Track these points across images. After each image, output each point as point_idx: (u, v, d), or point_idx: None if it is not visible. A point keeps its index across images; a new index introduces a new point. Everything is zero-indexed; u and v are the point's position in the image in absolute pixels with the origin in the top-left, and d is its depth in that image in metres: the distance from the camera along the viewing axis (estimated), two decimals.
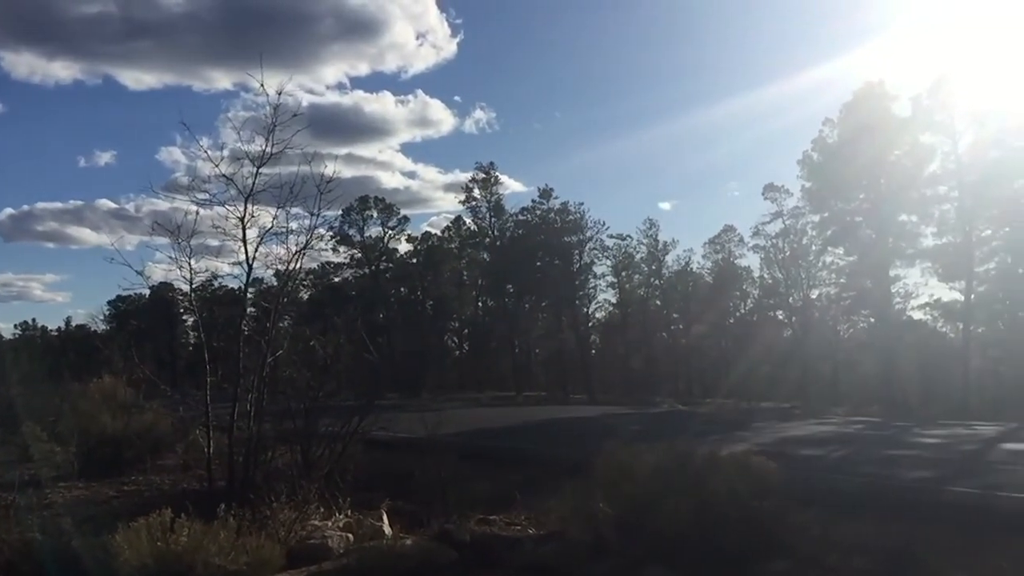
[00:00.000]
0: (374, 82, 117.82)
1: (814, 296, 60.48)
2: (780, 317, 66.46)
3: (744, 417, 32.18)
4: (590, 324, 74.94)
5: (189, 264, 9.89)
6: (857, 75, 70.40)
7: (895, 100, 48.90)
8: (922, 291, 53.81)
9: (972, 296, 46.94)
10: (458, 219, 75.54)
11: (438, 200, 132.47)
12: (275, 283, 11.96)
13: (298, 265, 10.53)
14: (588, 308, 73.04)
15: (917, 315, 56.33)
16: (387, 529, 8.21)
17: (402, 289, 78.22)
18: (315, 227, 10.19)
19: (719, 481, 7.33)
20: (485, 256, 72.90)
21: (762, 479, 7.50)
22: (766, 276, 65.21)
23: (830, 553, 7.31)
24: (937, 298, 53.35)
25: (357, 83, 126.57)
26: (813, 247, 57.93)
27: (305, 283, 74.71)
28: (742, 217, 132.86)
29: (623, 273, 71.28)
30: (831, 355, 58.32)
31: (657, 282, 72.50)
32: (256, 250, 9.86)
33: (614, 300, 73.65)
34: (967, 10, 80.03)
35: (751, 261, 67.35)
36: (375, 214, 73.21)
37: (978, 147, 45.07)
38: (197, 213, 9.80)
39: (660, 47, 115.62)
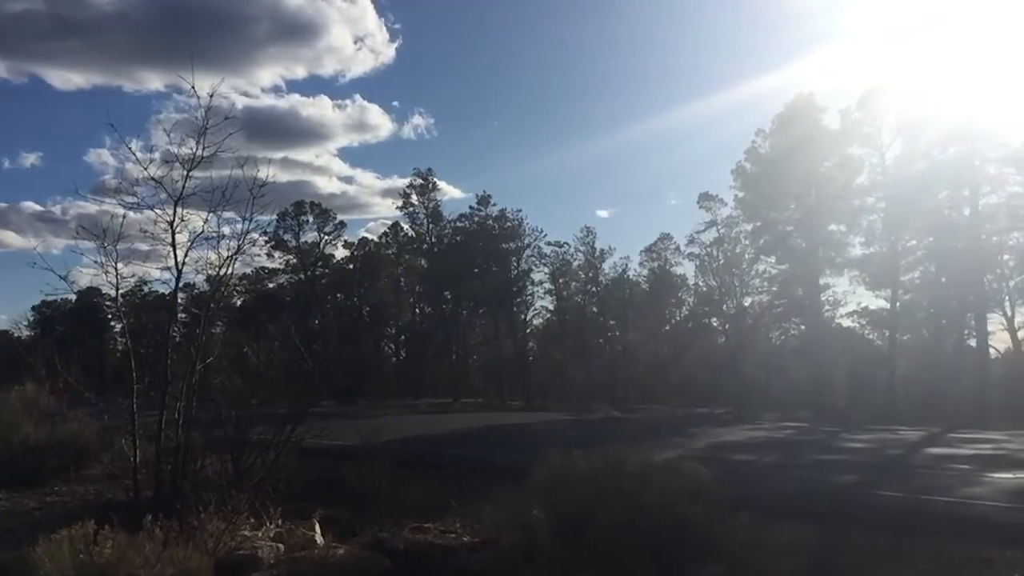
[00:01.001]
0: (311, 86, 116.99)
1: (747, 304, 61.60)
2: (715, 324, 67.48)
3: (679, 423, 32.61)
4: (528, 331, 75.18)
5: (116, 269, 9.63)
6: (796, 88, 71.76)
7: (825, 112, 50.20)
8: (850, 299, 55.40)
9: (898, 304, 48.33)
10: (396, 225, 75.22)
11: (376, 206, 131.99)
12: (207, 289, 11.70)
13: (230, 270, 10.32)
14: (526, 315, 73.35)
15: (846, 322, 57.91)
16: (319, 538, 8.09)
17: (338, 295, 77.44)
18: (248, 232, 9.98)
19: (653, 487, 7.37)
20: (423, 262, 72.60)
21: (695, 484, 7.57)
22: (701, 284, 66.20)
23: (761, 556, 7.41)
24: (865, 306, 55.03)
25: (293, 86, 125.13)
26: (746, 256, 58.94)
27: (238, 289, 73.59)
28: (678, 226, 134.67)
29: (560, 280, 71.67)
30: (764, 362, 59.33)
31: (594, 289, 73.03)
32: (186, 255, 9.64)
33: (551, 307, 74.10)
34: (897, 26, 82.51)
35: (687, 269, 68.35)
36: (311, 219, 72.44)
37: (904, 159, 46.43)
38: (124, 217, 9.54)
39: (599, 57, 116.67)
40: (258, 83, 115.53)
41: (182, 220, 9.54)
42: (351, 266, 75.39)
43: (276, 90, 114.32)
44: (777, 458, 17.91)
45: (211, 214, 9.71)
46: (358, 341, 73.09)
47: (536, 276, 70.52)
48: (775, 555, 7.60)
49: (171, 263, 9.60)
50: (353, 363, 65.97)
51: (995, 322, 46.23)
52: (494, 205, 68.22)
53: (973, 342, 46.71)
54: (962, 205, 45.35)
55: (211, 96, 9.55)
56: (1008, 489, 12.21)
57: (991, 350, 47.44)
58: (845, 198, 48.49)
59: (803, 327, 55.73)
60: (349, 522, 9.23)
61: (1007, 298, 46.28)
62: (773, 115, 52.43)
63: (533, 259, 69.28)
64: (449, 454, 18.38)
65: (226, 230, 10.01)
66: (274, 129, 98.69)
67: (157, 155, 9.69)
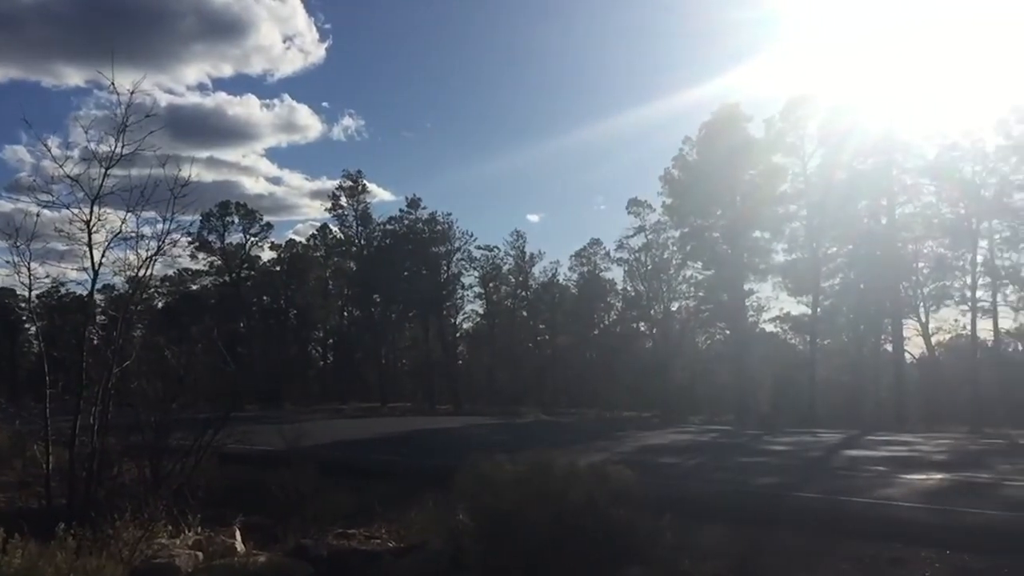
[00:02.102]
0: (238, 84, 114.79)
1: (674, 308, 62.48)
2: (642, 329, 68.28)
3: (607, 427, 32.92)
4: (457, 335, 75.04)
5: (29, 269, 9.29)
6: (727, 98, 73.02)
7: (750, 122, 51.18)
8: (773, 305, 56.72)
9: (818, 310, 49.58)
10: (324, 227, 74.34)
11: (304, 207, 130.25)
12: (127, 290, 11.36)
13: (150, 272, 10.04)
14: (455, 319, 73.25)
15: (769, 327, 59.28)
16: (240, 546, 7.92)
17: (264, 298, 76.16)
18: (168, 232, 9.72)
19: (578, 491, 7.40)
20: (351, 265, 71.87)
21: (619, 488, 7.62)
22: (629, 289, 66.94)
23: (683, 558, 7.49)
24: (787, 311, 56.46)
25: (220, 85, 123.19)
26: (674, 261, 59.75)
27: (160, 291, 71.91)
28: (608, 231, 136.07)
29: (490, 284, 71.72)
30: (690, 366, 60.25)
31: (524, 293, 73.31)
32: (103, 255, 9.35)
33: (481, 311, 74.11)
34: (823, 39, 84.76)
35: (615, 274, 69.00)
36: (237, 220, 71.09)
37: (826, 169, 47.62)
38: (38, 215, 9.22)
39: (533, 63, 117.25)
40: (183, 80, 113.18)
41: (99, 219, 9.26)
42: (278, 268, 74.27)
43: (202, 88, 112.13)
44: (701, 461, 18.18)
45: (130, 214, 9.43)
46: (284, 344, 72.01)
47: (466, 280, 70.56)
48: (699, 557, 7.69)
49: (88, 264, 9.31)
50: (279, 366, 64.91)
51: (910, 327, 47.76)
52: (424, 208, 68.01)
53: (890, 347, 48.13)
54: (880, 214, 46.71)
55: (132, 93, 9.29)
56: (921, 490, 12.61)
57: (907, 355, 49.02)
58: (769, 206, 49.54)
59: (728, 332, 56.74)
60: (272, 529, 9.07)
61: (921, 304, 47.83)
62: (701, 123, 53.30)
63: (463, 263, 69.26)
64: (376, 459, 18.21)
65: (147, 230, 9.74)
66: (199, 128, 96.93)
67: (76, 152, 9.41)
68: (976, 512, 10.15)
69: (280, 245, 75.09)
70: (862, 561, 7.95)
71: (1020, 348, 51.66)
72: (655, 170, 55.81)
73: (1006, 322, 46.59)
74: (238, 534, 8.23)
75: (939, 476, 14.34)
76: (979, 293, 45.04)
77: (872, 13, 71.70)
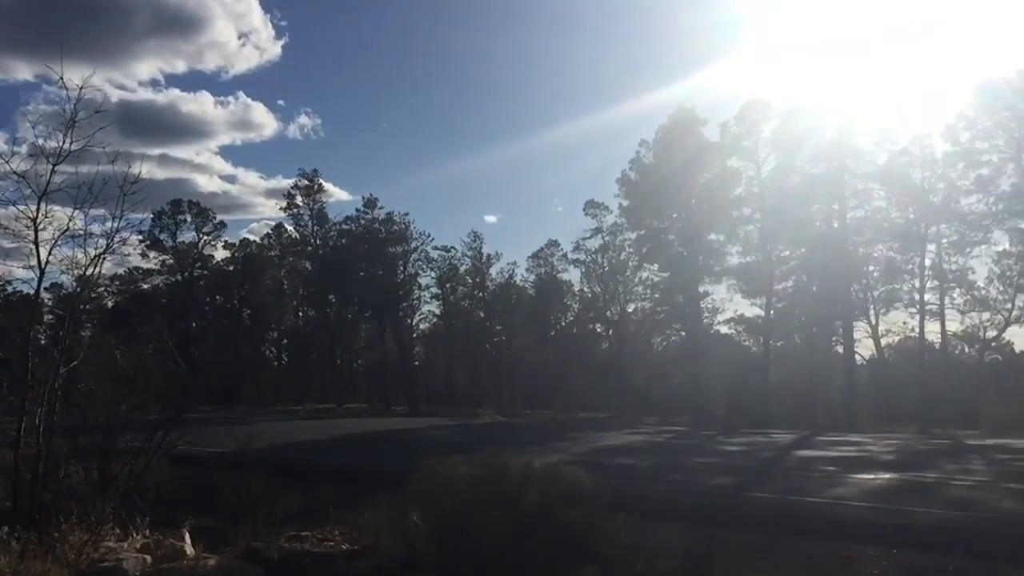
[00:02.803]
0: (192, 81, 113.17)
1: (630, 310, 62.85)
2: (599, 330, 68.58)
3: (562, 428, 33.02)
4: (414, 335, 74.71)
5: None
6: (689, 101, 73.45)
7: (706, 125, 51.66)
8: (728, 306, 57.43)
9: (772, 312, 50.26)
10: (279, 226, 73.64)
11: (259, 206, 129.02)
12: (75, 289, 11.13)
13: (98, 270, 9.84)
14: (412, 319, 72.91)
15: (724, 329, 59.94)
16: (190, 549, 7.80)
17: (218, 297, 75.22)
18: (118, 230, 9.54)
19: (533, 491, 7.41)
20: (307, 265, 71.26)
21: (574, 488, 7.64)
22: (586, 290, 67.18)
23: (637, 558, 7.53)
24: (741, 313, 57.15)
25: (173, 81, 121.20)
26: (630, 263, 60.10)
27: (110, 290, 70.68)
28: (565, 232, 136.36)
29: (447, 285, 71.51)
30: (645, 367, 60.62)
31: (481, 294, 73.18)
32: (50, 253, 9.15)
33: (438, 311, 73.88)
34: (780, 45, 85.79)
35: (572, 275, 69.16)
36: (189, 218, 70.22)
37: (780, 173, 48.27)
38: None
39: (493, 64, 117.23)
40: (135, 76, 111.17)
41: (46, 217, 9.07)
42: (231, 268, 73.40)
43: (154, 84, 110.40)
44: (655, 461, 18.30)
45: (78, 211, 9.25)
46: (238, 345, 71.15)
47: (423, 280, 70.30)
48: (652, 556, 7.74)
49: (34, 262, 9.11)
50: (232, 367, 64.12)
51: (861, 329, 48.53)
52: (381, 208, 67.65)
53: (841, 349, 48.85)
54: (832, 218, 47.40)
55: (82, 88, 9.11)
56: (870, 489, 12.82)
57: (857, 356, 49.82)
58: (724, 209, 50.08)
59: (683, 333, 57.23)
60: (223, 532, 8.95)
61: (872, 307, 48.59)
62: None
63: (420, 263, 69.03)
64: (330, 461, 18.08)
65: (96, 228, 9.55)
66: (152, 124, 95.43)
67: (23, 148, 9.19)
68: (923, 511, 10.34)
69: (234, 244, 74.39)
70: (813, 560, 8.07)
71: (966, 350, 52.70)
72: (613, 173, 56.00)
73: (953, 324, 47.65)
74: (188, 537, 8.11)
75: (887, 476, 14.59)
76: (927, 296, 46.01)
77: (827, 22, 72.93)
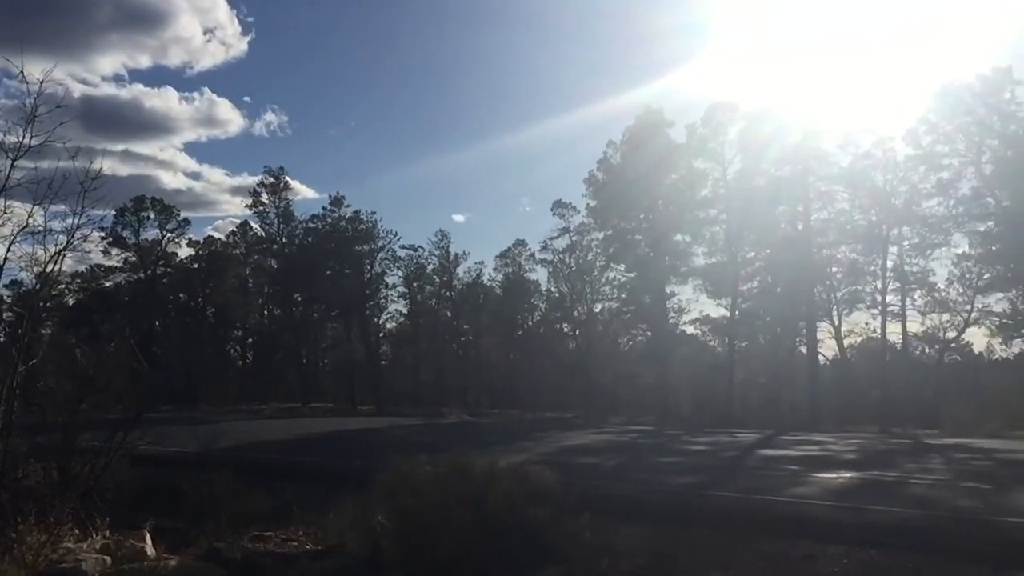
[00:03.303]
0: (156, 76, 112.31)
1: (597, 310, 63.01)
2: (565, 330, 68.72)
3: (529, 427, 33.06)
4: (380, 334, 74.44)
5: None
6: (658, 103, 73.62)
7: (673, 127, 51.95)
8: (694, 307, 57.82)
9: (737, 313, 50.70)
10: (245, 224, 72.99)
11: (224, 204, 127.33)
12: (35, 286, 10.94)
13: (58, 267, 9.69)
14: (379, 318, 72.62)
15: (689, 329, 60.34)
16: (150, 550, 7.71)
17: (181, 296, 74.34)
18: (79, 226, 9.40)
19: (498, 491, 7.41)
20: (272, 263, 70.70)
21: (539, 488, 7.66)
22: (553, 290, 67.21)
23: (602, 558, 7.56)
24: (706, 314, 57.59)
25: (137, 76, 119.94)
26: (597, 263, 60.28)
27: (71, 287, 69.61)
28: (533, 232, 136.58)
29: (414, 284, 71.27)
30: (612, 367, 60.88)
31: (448, 294, 73.05)
32: (9, 250, 8.99)
33: (405, 311, 73.60)
34: (747, 49, 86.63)
35: (540, 275, 69.17)
36: (152, 215, 69.29)
37: (745, 175, 48.70)
38: None
39: (463, 63, 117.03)
40: (98, 71, 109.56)
41: (5, 212, 8.91)
42: (195, 265, 72.61)
43: (118, 79, 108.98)
44: (621, 461, 18.38)
45: (38, 207, 9.09)
46: (201, 343, 70.39)
47: (390, 279, 69.94)
48: (617, 555, 7.78)
49: None
50: (195, 366, 63.47)
51: (824, 330, 49.10)
52: (348, 206, 67.23)
53: (804, 349, 49.37)
54: (796, 220, 47.86)
55: (43, 82, 8.96)
56: (831, 488, 12.97)
57: (820, 357, 50.40)
58: (690, 210, 50.44)
59: (650, 333, 57.53)
60: (185, 532, 8.87)
61: (835, 308, 49.20)
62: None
63: (387, 262, 68.66)
64: (294, 460, 17.96)
65: (56, 225, 9.40)
66: (115, 120, 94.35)
67: None
68: (882, 510, 10.47)
69: (198, 242, 73.60)
70: (775, 558, 8.15)
71: (927, 351, 53.53)
72: (582, 173, 56.12)
73: (914, 325, 48.38)
74: (149, 538, 8.02)
75: (849, 475, 14.77)
76: (889, 297, 46.64)
77: (794, 26, 73.70)
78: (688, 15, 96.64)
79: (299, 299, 68.60)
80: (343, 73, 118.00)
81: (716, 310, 55.16)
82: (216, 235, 76.28)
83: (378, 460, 8.91)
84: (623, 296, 58.67)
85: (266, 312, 76.12)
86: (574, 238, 61.29)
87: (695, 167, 50.57)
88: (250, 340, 77.89)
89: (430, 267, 71.29)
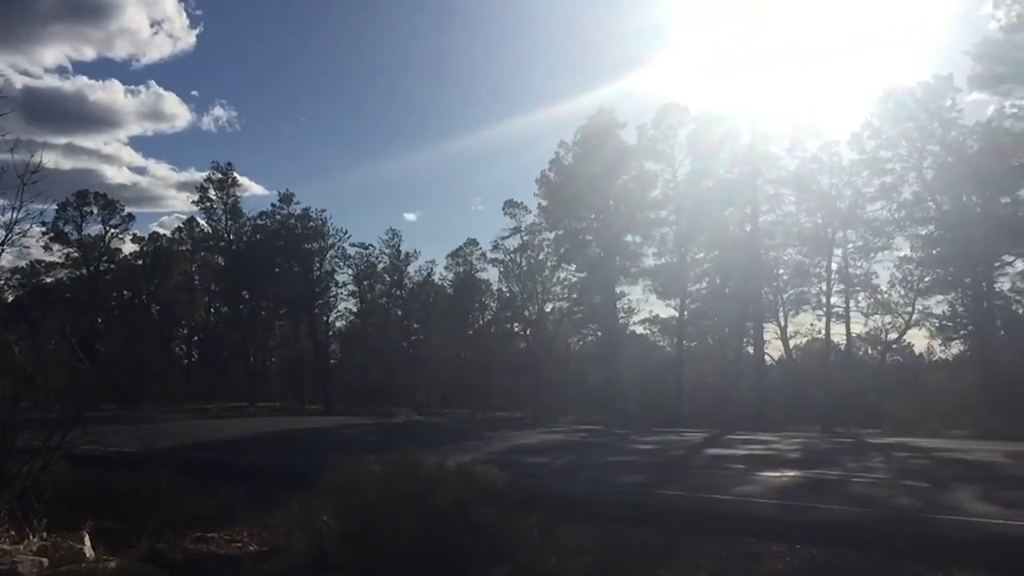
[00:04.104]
0: (101, 68, 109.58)
1: (548, 310, 63.23)
2: (516, 329, 68.81)
3: (479, 427, 33.08)
4: (330, 333, 73.83)
5: None
6: (614, 104, 73.73)
7: (624, 128, 52.28)
8: (643, 307, 58.25)
9: (685, 313, 51.26)
10: (191, 220, 71.79)
11: (170, 199, 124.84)
12: None
13: None
14: (328, 317, 71.99)
15: (639, 329, 60.88)
16: (89, 551, 7.54)
17: (125, 292, 73.01)
18: (17, 221, 9.19)
19: (445, 491, 7.38)
20: (219, 260, 69.67)
21: (487, 487, 7.65)
22: (504, 289, 67.26)
23: (549, 557, 7.58)
24: (656, 314, 58.15)
25: (81, 68, 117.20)
26: (548, 263, 60.47)
27: (10, 283, 67.98)
28: (485, 231, 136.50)
29: (365, 282, 70.81)
30: (562, 366, 61.14)
31: (399, 292, 72.74)
32: None
33: (355, 309, 73.09)
34: (703, 51, 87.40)
35: (491, 274, 69.21)
36: (96, 210, 67.91)
37: (695, 176, 49.26)
38: None
39: (417, 61, 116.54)
40: (40, 62, 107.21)
41: None
42: (140, 262, 71.34)
43: (61, 71, 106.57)
44: (570, 460, 18.46)
45: None
46: (145, 341, 69.05)
47: (340, 278, 69.36)
48: (564, 555, 7.79)
49: None
50: (139, 364, 62.25)
51: (771, 331, 49.95)
52: (297, 203, 66.53)
53: (752, 349, 50.08)
54: (744, 222, 48.54)
55: None
56: (776, 487, 13.16)
57: (767, 357, 51.20)
58: (640, 211, 50.88)
59: (599, 333, 57.86)
60: (125, 534, 8.68)
61: (781, 309, 50.06)
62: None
63: (337, 260, 68.06)
64: (239, 460, 17.73)
65: None
66: (58, 112, 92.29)
67: None
68: (824, 508, 10.66)
69: (143, 238, 72.44)
70: (720, 556, 8.23)
71: (869, 352, 54.61)
72: (535, 173, 56.18)
73: (857, 327, 49.41)
74: (87, 539, 7.84)
75: (792, 473, 15.00)
76: (833, 299, 47.57)
77: (746, 31, 74.59)
78: (644, 20, 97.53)
79: (247, 297, 67.73)
80: (294, 68, 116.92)
81: (665, 310, 55.84)
82: (162, 231, 75.32)
83: (325, 460, 8.82)
84: (574, 296, 58.93)
85: (212, 310, 75.06)
86: (525, 238, 61.43)
87: (646, 168, 51.00)
88: (196, 338, 76.75)
89: (380, 266, 70.95)
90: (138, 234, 72.05)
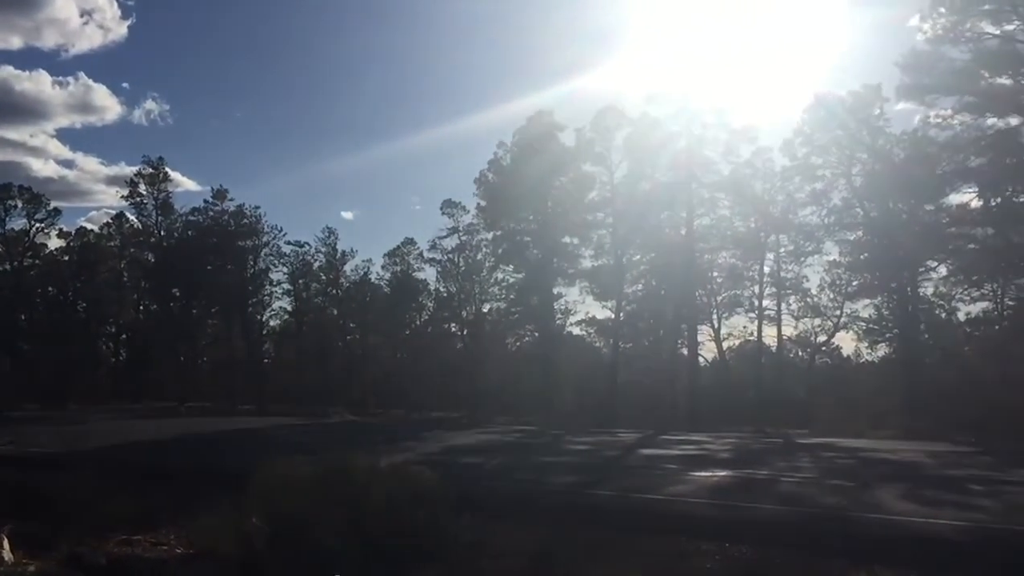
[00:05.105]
0: (28, 58, 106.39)
1: (485, 310, 63.20)
2: (453, 329, 68.60)
3: (414, 427, 32.92)
4: (264, 332, 72.60)
5: None
6: (557, 107, 73.46)
7: (563, 130, 52.44)
8: (580, 308, 58.53)
9: (621, 314, 51.71)
10: (120, 216, 70.05)
11: (99, 194, 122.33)
12: None
13: None
14: (262, 315, 70.73)
15: (576, 331, 61.16)
16: (8, 555, 7.30)
17: (50, 289, 70.87)
18: None
19: (378, 492, 7.33)
20: (149, 257, 68.11)
21: (420, 488, 7.61)
22: (442, 289, 67.02)
23: (482, 557, 7.56)
24: (592, 315, 58.47)
25: (7, 57, 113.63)
26: (486, 263, 60.40)
27: None
28: (423, 231, 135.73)
29: (300, 281, 69.83)
30: (499, 367, 61.12)
31: (335, 291, 71.90)
32: None
33: (290, 308, 72.00)
34: (642, 56, 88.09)
35: (428, 274, 68.84)
36: (20, 204, 65.90)
37: (631, 179, 49.69)
38: None
39: (355, 60, 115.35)
40: None
41: None
42: (66, 258, 69.35)
43: None
44: (504, 461, 18.47)
45: None
46: (71, 339, 67.19)
47: (274, 276, 68.16)
48: (497, 555, 7.79)
49: None
50: (64, 363, 60.59)
51: (705, 333, 50.73)
52: (231, 200, 65.25)
53: (686, 351, 50.70)
54: (680, 225, 49.17)
55: None
56: (707, 486, 13.34)
57: (700, 358, 51.95)
58: (578, 213, 51.15)
59: (536, 334, 58.00)
60: (46, 537, 8.41)
61: (715, 311, 50.89)
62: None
63: (272, 258, 66.92)
64: (167, 461, 17.32)
65: None
66: None
67: None
68: (753, 507, 10.85)
69: (70, 233, 70.34)
70: (650, 555, 8.31)
71: (799, 354, 55.76)
72: (475, 174, 55.94)
73: (788, 329, 50.52)
74: (7, 543, 7.59)
75: (723, 473, 15.23)
76: (765, 302, 48.57)
77: (684, 36, 75.56)
78: (588, 24, 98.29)
79: (177, 294, 66.22)
80: (229, 62, 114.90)
81: (602, 312, 56.23)
82: (89, 226, 73.17)
83: (256, 461, 8.67)
84: (511, 297, 58.90)
85: (142, 308, 73.28)
86: (463, 238, 61.27)
87: (583, 171, 51.25)
88: (124, 336, 74.89)
89: (316, 264, 69.98)
90: (65, 229, 70.13)
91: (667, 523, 9.83)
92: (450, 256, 62.59)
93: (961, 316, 47.10)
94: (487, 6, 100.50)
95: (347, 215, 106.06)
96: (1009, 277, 41.16)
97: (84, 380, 64.95)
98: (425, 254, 66.04)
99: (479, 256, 61.16)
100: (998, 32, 34.12)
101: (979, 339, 45.25)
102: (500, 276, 59.48)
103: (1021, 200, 36.41)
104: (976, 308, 45.98)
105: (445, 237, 61.65)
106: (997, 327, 44.05)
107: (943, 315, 47.40)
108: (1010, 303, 44.29)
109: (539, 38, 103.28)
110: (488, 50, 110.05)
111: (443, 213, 61.33)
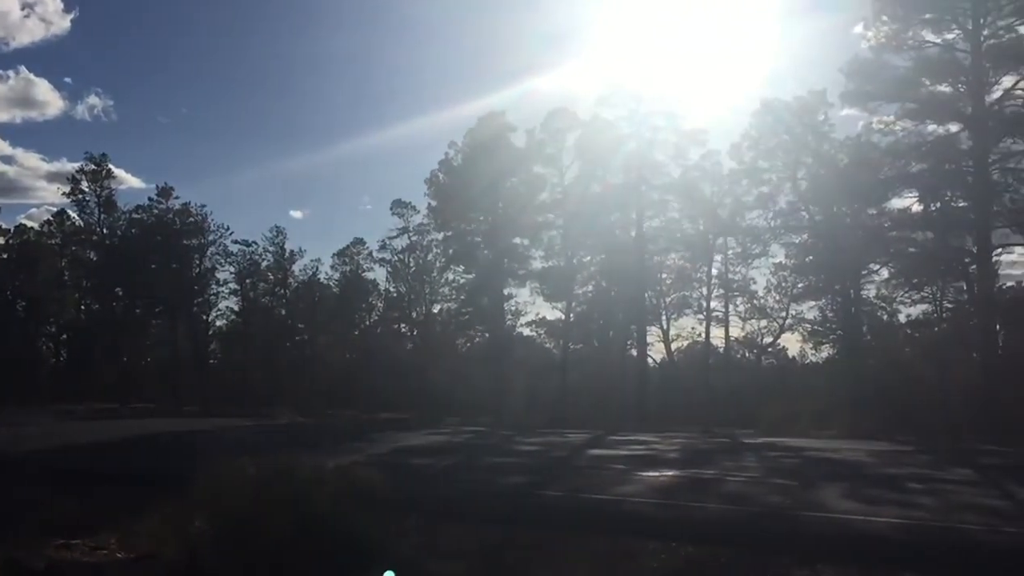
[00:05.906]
0: None
1: (436, 311, 63.10)
2: (403, 330, 68.33)
3: (363, 428, 32.71)
4: (209, 332, 71.53)
5: None
6: (506, 108, 73.37)
7: (515, 131, 52.48)
8: (531, 309, 58.72)
9: (571, 316, 51.97)
10: (62, 213, 68.41)
11: (40, 191, 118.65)
12: None
13: None
14: (208, 315, 69.72)
15: (526, 331, 61.27)
16: None
17: None
18: None
19: (324, 494, 7.26)
20: (92, 255, 66.72)
21: (366, 490, 7.55)
22: (392, 290, 66.77)
23: (429, 559, 7.54)
24: (543, 316, 58.64)
25: None
26: (437, 264, 60.33)
27: None
28: (373, 231, 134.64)
29: (247, 280, 68.92)
30: (449, 368, 60.95)
31: (283, 291, 71.13)
32: None
33: (236, 308, 71.03)
34: (594, 58, 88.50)
35: (378, 274, 68.50)
36: None
37: (582, 181, 49.94)
38: None
39: (306, 57, 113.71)
40: None
41: None
42: (5, 256, 67.61)
43: None
44: (453, 462, 18.44)
45: None
46: (9, 339, 65.48)
47: (221, 275, 67.23)
48: (444, 556, 7.77)
49: None
50: (2, 364, 59.02)
51: (654, 334, 51.25)
52: (176, 198, 64.34)
53: (635, 352, 51.12)
54: (630, 226, 49.56)
55: None
56: (655, 486, 13.45)
57: (650, 359, 52.45)
58: (529, 213, 51.23)
59: (487, 335, 58.01)
60: None
61: (664, 313, 51.48)
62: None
63: (218, 257, 66.04)
64: (108, 464, 16.96)
65: None
66: None
67: None
68: (699, 506, 10.97)
69: (9, 230, 68.54)
70: (597, 555, 8.35)
71: (747, 355, 56.58)
72: (426, 174, 55.70)
73: (735, 330, 51.25)
74: None
75: (671, 473, 15.36)
76: (713, 304, 49.23)
77: (634, 40, 76.16)
78: (541, 25, 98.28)
79: (120, 294, 65.05)
80: (175, 58, 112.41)
81: (552, 313, 56.44)
82: (29, 223, 71.32)
83: (200, 463, 8.53)
84: (461, 297, 58.85)
85: (83, 307, 71.71)
86: (414, 238, 61.17)
87: (534, 172, 51.34)
88: (65, 336, 73.17)
89: (264, 264, 69.07)
90: (3, 226, 68.33)
91: (615, 523, 9.90)
92: (400, 256, 62.43)
93: (902, 318, 48.10)
94: (439, 7, 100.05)
95: (296, 214, 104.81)
96: (948, 280, 42.16)
97: (23, 381, 63.29)
98: (375, 254, 65.84)
99: (429, 256, 61.15)
100: (939, 41, 34.98)
101: (919, 340, 46.23)
102: (450, 277, 59.55)
103: (959, 205, 37.29)
104: (916, 310, 46.97)
105: (395, 237, 61.54)
106: (936, 329, 45.04)
107: (885, 317, 48.36)
108: (948, 305, 45.35)
109: (492, 39, 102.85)
110: (440, 51, 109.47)
111: (393, 213, 61.20)
